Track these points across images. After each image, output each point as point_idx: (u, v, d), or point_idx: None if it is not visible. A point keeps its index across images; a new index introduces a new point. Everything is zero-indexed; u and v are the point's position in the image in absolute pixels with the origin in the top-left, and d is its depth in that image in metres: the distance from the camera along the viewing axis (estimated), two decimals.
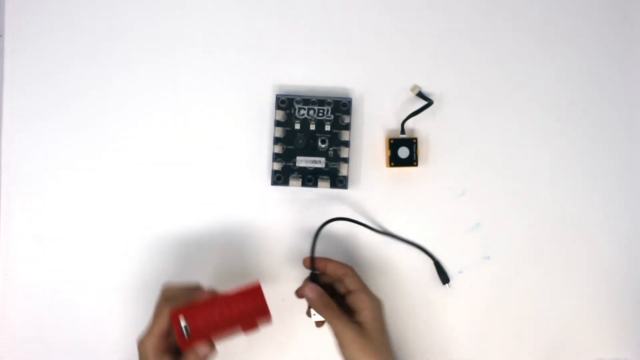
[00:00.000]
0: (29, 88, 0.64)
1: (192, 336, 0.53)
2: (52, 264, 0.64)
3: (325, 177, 0.63)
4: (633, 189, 0.65)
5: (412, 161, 0.63)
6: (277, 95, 0.63)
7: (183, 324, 0.53)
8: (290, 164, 0.63)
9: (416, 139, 0.63)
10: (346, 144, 0.63)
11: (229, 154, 0.64)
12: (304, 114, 0.63)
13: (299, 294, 0.60)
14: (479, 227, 0.65)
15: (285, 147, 0.63)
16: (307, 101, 0.63)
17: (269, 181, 0.64)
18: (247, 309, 0.55)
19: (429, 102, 0.63)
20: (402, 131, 0.64)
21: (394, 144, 0.63)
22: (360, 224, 0.63)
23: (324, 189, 0.63)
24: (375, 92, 0.65)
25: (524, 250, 0.65)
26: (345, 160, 0.63)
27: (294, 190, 0.64)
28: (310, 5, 0.65)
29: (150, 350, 0.53)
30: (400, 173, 0.65)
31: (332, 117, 0.63)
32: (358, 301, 0.57)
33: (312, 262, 0.60)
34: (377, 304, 0.58)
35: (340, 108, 0.63)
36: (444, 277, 0.63)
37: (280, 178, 0.63)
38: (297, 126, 0.63)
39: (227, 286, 0.64)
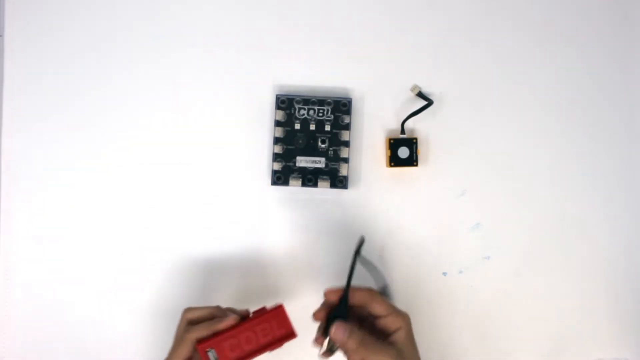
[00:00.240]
0: (29, 88, 0.64)
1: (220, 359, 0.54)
2: (52, 264, 0.64)
3: (325, 177, 0.63)
4: (633, 189, 0.65)
5: (412, 161, 0.63)
6: (277, 95, 0.63)
7: (212, 357, 0.53)
8: (290, 164, 0.63)
9: (416, 139, 0.63)
10: (346, 144, 0.63)
11: (229, 154, 0.64)
12: (304, 114, 0.63)
13: (330, 337, 0.55)
14: (479, 227, 0.65)
15: (285, 147, 0.63)
16: (307, 101, 0.63)
17: (269, 181, 0.64)
18: (273, 333, 0.55)
19: (429, 102, 0.63)
20: (402, 131, 0.64)
21: (394, 144, 0.63)
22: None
23: (324, 189, 0.63)
24: (375, 92, 0.65)
25: (524, 250, 0.65)
26: (345, 160, 0.63)
27: (294, 190, 0.64)
28: (310, 5, 0.65)
29: None
30: (400, 173, 0.65)
31: (332, 117, 0.63)
32: (390, 324, 0.55)
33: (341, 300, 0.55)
34: (407, 321, 0.56)
35: (340, 108, 0.63)
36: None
37: (280, 178, 0.63)
38: (297, 126, 0.63)
39: (227, 285, 0.64)
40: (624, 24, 0.66)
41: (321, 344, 0.54)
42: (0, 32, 0.65)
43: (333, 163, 0.63)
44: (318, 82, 0.65)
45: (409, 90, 0.64)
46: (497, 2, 0.65)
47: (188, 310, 0.56)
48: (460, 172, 0.65)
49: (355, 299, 0.55)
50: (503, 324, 0.64)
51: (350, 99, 0.63)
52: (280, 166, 0.63)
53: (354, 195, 0.64)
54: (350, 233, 0.64)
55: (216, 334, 0.54)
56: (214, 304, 0.58)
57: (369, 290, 0.56)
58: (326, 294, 0.56)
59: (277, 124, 0.63)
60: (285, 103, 0.63)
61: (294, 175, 0.63)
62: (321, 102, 0.63)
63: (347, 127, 0.63)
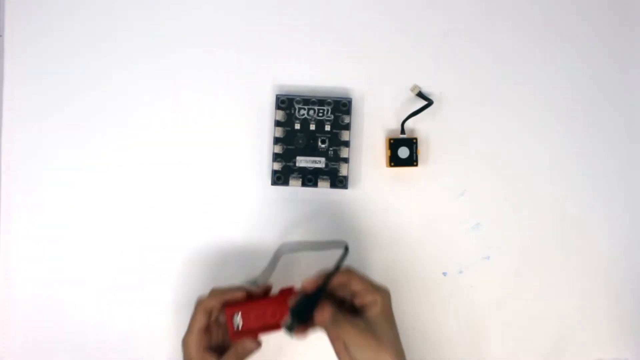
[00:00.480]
0: (29, 88, 0.64)
1: (243, 330, 0.56)
2: (52, 264, 0.64)
3: (325, 177, 0.63)
4: (633, 189, 0.65)
5: (412, 161, 0.63)
6: (277, 95, 0.63)
7: (237, 317, 0.56)
8: (290, 164, 0.63)
9: (416, 139, 0.63)
10: (346, 144, 0.63)
11: (229, 154, 0.64)
12: (304, 114, 0.63)
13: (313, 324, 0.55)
14: (479, 227, 0.65)
15: (285, 147, 0.63)
16: (307, 101, 0.63)
17: (269, 181, 0.64)
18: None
19: (429, 102, 0.63)
20: (402, 131, 0.64)
21: (394, 144, 0.63)
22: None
23: (324, 189, 0.63)
24: (375, 92, 0.65)
25: (524, 250, 0.65)
26: (345, 160, 0.63)
27: (294, 190, 0.64)
28: (311, 5, 0.65)
29: (192, 346, 0.55)
30: (400, 173, 0.65)
31: (332, 117, 0.63)
32: (366, 299, 0.56)
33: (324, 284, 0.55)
34: (385, 297, 0.56)
35: (340, 108, 0.63)
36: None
37: (280, 178, 0.63)
38: (297, 126, 0.63)
39: (227, 285, 0.64)
40: (624, 24, 0.66)
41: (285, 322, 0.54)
42: (0, 32, 0.65)
43: (333, 163, 0.63)
44: (318, 82, 0.65)
45: (409, 90, 0.64)
46: (497, 2, 0.65)
47: (213, 288, 0.58)
48: (460, 172, 0.65)
49: (334, 281, 0.55)
50: (503, 324, 0.64)
51: (350, 99, 0.63)
52: (280, 166, 0.63)
53: (354, 195, 0.64)
54: (350, 233, 0.64)
55: (245, 302, 0.56)
56: None
57: (347, 269, 0.56)
58: (304, 284, 0.55)
59: (277, 124, 0.63)
60: (285, 103, 0.63)
61: (294, 175, 0.63)
62: (321, 102, 0.63)
63: (347, 127, 0.63)
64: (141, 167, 0.64)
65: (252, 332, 0.56)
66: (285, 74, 0.65)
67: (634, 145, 0.66)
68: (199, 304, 0.57)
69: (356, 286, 0.56)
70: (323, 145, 0.63)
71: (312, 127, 0.63)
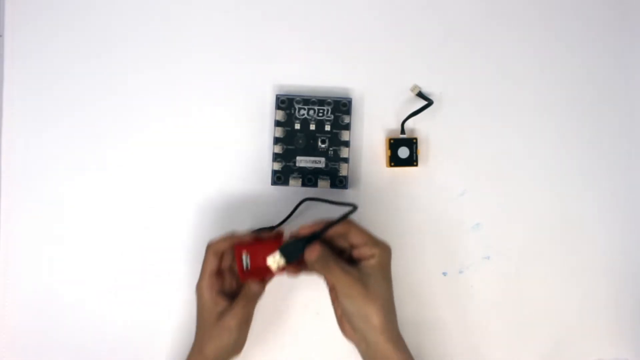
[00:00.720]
0: (29, 88, 0.64)
1: (251, 269, 0.56)
2: (52, 264, 0.64)
3: (325, 177, 0.63)
4: (633, 189, 0.65)
5: (412, 161, 0.63)
6: (277, 95, 0.63)
7: (246, 257, 0.56)
8: (290, 164, 0.63)
9: (416, 139, 0.63)
10: (346, 144, 0.63)
11: (229, 154, 0.64)
12: (304, 114, 0.63)
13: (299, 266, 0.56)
14: (479, 227, 0.65)
15: (285, 147, 0.63)
16: (307, 101, 0.63)
17: (269, 181, 0.64)
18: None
19: (429, 102, 0.63)
20: (402, 131, 0.64)
21: (394, 144, 0.63)
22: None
23: (324, 189, 0.63)
24: (375, 92, 0.65)
25: (524, 250, 0.65)
26: (345, 160, 0.63)
27: (294, 190, 0.64)
28: (311, 5, 0.65)
29: (205, 289, 0.56)
30: (400, 173, 0.65)
31: (332, 117, 0.63)
32: (364, 252, 0.55)
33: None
34: (384, 252, 0.56)
35: (340, 108, 0.63)
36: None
37: (280, 178, 0.63)
38: (297, 126, 0.63)
39: None
40: (624, 24, 0.66)
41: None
42: (0, 32, 0.65)
43: (333, 163, 0.63)
44: (318, 82, 0.65)
45: (409, 90, 0.64)
46: (497, 2, 0.65)
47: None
48: (460, 172, 0.65)
49: (333, 231, 0.55)
50: (503, 323, 0.64)
51: (350, 99, 0.63)
52: (280, 166, 0.63)
53: (354, 195, 0.64)
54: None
55: (255, 243, 0.57)
56: None
57: (348, 221, 0.56)
58: (300, 228, 0.56)
59: (277, 124, 0.63)
60: (285, 103, 0.63)
61: (294, 175, 0.63)
62: (321, 102, 0.63)
63: (347, 127, 0.63)
64: (141, 167, 0.64)
65: (260, 272, 0.56)
66: (285, 74, 0.65)
67: (634, 145, 0.66)
68: (210, 247, 0.57)
69: (355, 238, 0.56)
70: (323, 145, 0.63)
71: (312, 127, 0.63)
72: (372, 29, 0.65)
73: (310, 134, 0.63)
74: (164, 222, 0.64)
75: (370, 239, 0.55)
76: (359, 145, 0.65)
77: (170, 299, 0.64)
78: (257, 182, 0.64)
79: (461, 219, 0.65)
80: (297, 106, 0.63)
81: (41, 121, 0.64)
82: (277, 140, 0.63)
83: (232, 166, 0.64)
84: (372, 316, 0.53)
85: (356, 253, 0.56)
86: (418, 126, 0.65)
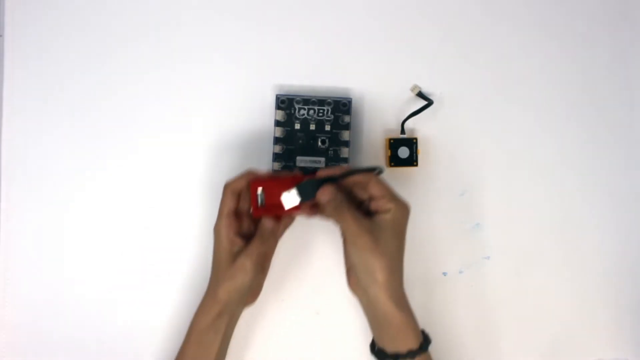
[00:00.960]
0: (29, 88, 0.64)
1: (266, 206, 0.56)
2: (52, 264, 0.64)
3: None
4: (633, 189, 0.66)
5: (412, 161, 0.63)
6: (277, 95, 0.63)
7: (261, 193, 0.56)
8: (290, 164, 0.63)
9: (416, 139, 0.63)
10: (346, 144, 0.63)
11: (230, 154, 0.64)
12: (304, 114, 0.63)
13: (313, 206, 0.55)
14: (479, 227, 0.65)
15: (285, 147, 0.63)
16: (307, 101, 0.63)
17: None
18: None
19: (429, 102, 0.63)
20: (402, 131, 0.64)
21: (394, 144, 0.63)
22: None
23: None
24: (375, 92, 0.65)
25: (524, 250, 0.65)
26: (345, 160, 0.63)
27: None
28: (311, 5, 0.65)
29: (222, 229, 0.56)
30: (400, 173, 0.64)
31: (332, 117, 0.63)
32: (381, 205, 0.54)
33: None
34: (401, 209, 0.54)
35: (340, 108, 0.63)
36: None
37: None
38: (297, 126, 0.63)
39: None
40: (624, 24, 0.66)
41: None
42: (0, 32, 0.65)
43: (333, 163, 0.63)
44: (318, 82, 0.65)
45: (409, 90, 0.64)
46: (497, 2, 0.65)
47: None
48: (460, 172, 0.65)
49: (353, 179, 0.55)
50: (503, 323, 0.64)
51: (350, 99, 0.63)
52: (280, 166, 0.63)
53: None
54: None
55: (270, 180, 0.56)
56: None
57: (370, 174, 0.55)
58: (319, 171, 0.56)
59: (277, 124, 0.63)
60: (285, 103, 0.63)
61: None
62: (321, 102, 0.63)
63: (347, 127, 0.63)
64: (141, 166, 0.64)
65: (274, 209, 0.56)
66: (285, 74, 0.65)
67: (634, 145, 0.66)
68: (227, 186, 0.56)
69: (374, 189, 0.55)
70: (323, 145, 0.63)
71: (312, 127, 0.63)
72: (372, 29, 0.65)
73: (310, 134, 0.63)
74: (164, 222, 0.64)
75: (389, 193, 0.54)
76: (359, 145, 0.65)
77: (170, 299, 0.64)
78: None
79: (461, 219, 0.65)
80: (297, 106, 0.63)
81: (41, 121, 0.64)
82: (277, 140, 0.63)
83: (232, 166, 0.64)
84: (377, 271, 0.52)
85: (373, 205, 0.55)
86: (418, 126, 0.65)
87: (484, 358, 0.64)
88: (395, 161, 0.63)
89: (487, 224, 0.65)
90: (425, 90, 0.64)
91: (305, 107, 0.63)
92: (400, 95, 0.65)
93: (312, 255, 0.64)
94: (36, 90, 0.64)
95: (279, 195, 0.55)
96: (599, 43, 0.66)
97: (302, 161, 0.63)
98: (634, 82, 0.66)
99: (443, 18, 0.65)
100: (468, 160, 0.65)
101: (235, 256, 0.55)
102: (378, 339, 0.56)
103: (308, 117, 0.63)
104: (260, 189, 0.56)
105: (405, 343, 0.54)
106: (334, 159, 0.63)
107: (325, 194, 0.53)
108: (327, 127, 0.63)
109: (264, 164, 0.64)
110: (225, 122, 0.64)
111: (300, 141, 0.63)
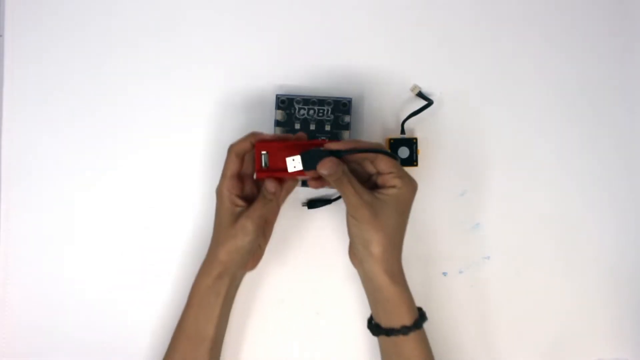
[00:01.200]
0: (29, 88, 0.64)
1: (269, 168, 0.55)
2: (52, 264, 0.64)
3: None
4: (633, 189, 0.65)
5: (412, 161, 0.63)
6: (277, 95, 0.63)
7: (264, 159, 0.55)
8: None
9: (416, 139, 0.63)
10: None
11: None
12: (304, 114, 0.63)
13: (315, 174, 0.54)
14: (479, 227, 0.65)
15: None
16: (307, 101, 0.63)
17: None
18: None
19: (429, 102, 0.63)
20: (402, 131, 0.64)
21: (394, 144, 0.63)
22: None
23: (324, 189, 0.63)
24: (375, 92, 0.65)
25: (524, 250, 0.65)
26: None
27: (294, 190, 0.64)
28: (311, 5, 0.65)
29: (225, 190, 0.56)
30: None
31: (332, 117, 0.63)
32: (387, 181, 0.54)
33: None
34: (407, 186, 0.54)
35: (340, 108, 0.63)
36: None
37: None
38: (297, 126, 0.63)
39: None
40: (624, 24, 0.66)
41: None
42: (0, 32, 0.65)
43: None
44: (318, 82, 0.65)
45: (409, 90, 0.64)
46: (497, 2, 0.65)
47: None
48: (460, 172, 0.65)
49: (362, 154, 0.54)
50: (503, 324, 0.64)
51: (350, 99, 0.63)
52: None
53: None
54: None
55: (275, 143, 0.56)
56: None
57: (380, 149, 0.54)
58: (328, 143, 0.55)
59: (277, 124, 0.63)
60: (285, 103, 0.63)
61: None
62: (321, 102, 0.63)
63: (347, 127, 0.63)
64: (141, 166, 0.64)
65: (277, 172, 0.55)
66: (285, 74, 0.65)
67: (635, 145, 0.66)
68: (232, 148, 0.56)
69: (382, 164, 0.54)
70: None
71: (312, 127, 0.63)
72: (372, 29, 0.65)
73: (310, 134, 0.63)
74: (164, 222, 0.64)
75: (397, 169, 0.54)
76: None
77: (170, 299, 0.64)
78: None
79: (461, 219, 0.65)
80: (297, 106, 0.63)
81: (41, 121, 0.64)
82: None
83: None
84: (373, 243, 0.53)
85: (380, 180, 0.55)
86: (418, 126, 0.65)
87: (484, 358, 0.64)
88: None
89: (487, 224, 0.65)
90: (425, 90, 0.64)
91: (305, 107, 0.63)
92: (400, 95, 0.65)
93: (312, 255, 0.64)
94: (36, 90, 0.64)
95: (283, 159, 0.55)
96: (598, 43, 0.66)
97: None
98: (633, 83, 0.66)
99: (443, 18, 0.65)
100: (468, 160, 0.65)
101: (236, 217, 0.55)
102: (375, 314, 0.56)
103: (308, 117, 0.63)
104: (264, 152, 0.55)
105: (399, 318, 0.54)
106: None
107: (324, 167, 0.52)
108: (327, 127, 0.63)
109: None
110: (225, 122, 0.64)
111: None
